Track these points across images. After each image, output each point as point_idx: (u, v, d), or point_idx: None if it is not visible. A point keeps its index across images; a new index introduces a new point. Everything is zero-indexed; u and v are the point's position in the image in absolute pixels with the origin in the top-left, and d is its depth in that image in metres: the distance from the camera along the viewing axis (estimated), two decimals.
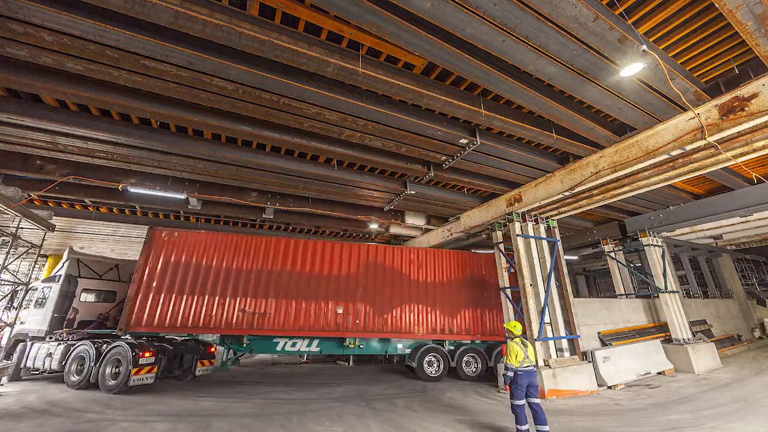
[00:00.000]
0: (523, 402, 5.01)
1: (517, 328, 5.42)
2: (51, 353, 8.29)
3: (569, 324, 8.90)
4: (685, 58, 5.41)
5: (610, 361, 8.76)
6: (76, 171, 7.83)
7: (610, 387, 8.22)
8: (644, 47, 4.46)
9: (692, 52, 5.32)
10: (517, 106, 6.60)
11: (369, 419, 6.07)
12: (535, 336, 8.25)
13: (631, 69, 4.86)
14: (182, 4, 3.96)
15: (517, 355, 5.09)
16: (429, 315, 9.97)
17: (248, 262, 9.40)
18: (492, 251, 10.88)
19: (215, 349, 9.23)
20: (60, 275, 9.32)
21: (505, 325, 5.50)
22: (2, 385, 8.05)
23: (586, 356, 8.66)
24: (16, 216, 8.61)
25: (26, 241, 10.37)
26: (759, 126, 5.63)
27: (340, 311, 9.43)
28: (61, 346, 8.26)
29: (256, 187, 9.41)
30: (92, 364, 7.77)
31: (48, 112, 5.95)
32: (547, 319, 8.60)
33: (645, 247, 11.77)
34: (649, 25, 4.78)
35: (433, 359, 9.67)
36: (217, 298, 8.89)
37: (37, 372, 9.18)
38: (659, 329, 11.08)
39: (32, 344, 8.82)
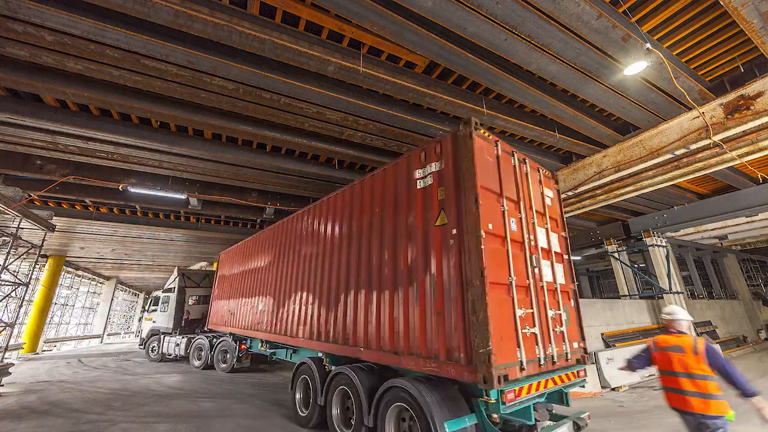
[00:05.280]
0: None
1: None
2: (178, 344, 11.38)
3: None
4: (689, 56, 5.36)
5: (614, 363, 8.67)
6: (76, 171, 7.82)
7: (613, 389, 8.14)
8: (648, 45, 4.41)
9: (697, 51, 5.26)
10: (519, 105, 6.55)
11: None
12: None
13: (635, 67, 4.81)
14: (183, 3, 3.93)
15: None
16: None
17: (265, 259, 8.07)
18: None
19: (244, 346, 9.70)
20: (174, 287, 12.37)
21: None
22: (2, 386, 8.05)
23: (590, 358, 8.58)
24: (17, 216, 8.61)
25: (26, 242, 10.37)
26: (765, 125, 5.57)
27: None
28: (185, 339, 11.25)
29: (257, 187, 9.39)
30: (209, 352, 10.26)
31: (48, 112, 5.94)
32: None
33: (649, 248, 11.68)
34: (653, 23, 4.72)
35: None
36: (240, 299, 9.02)
37: (170, 356, 12.05)
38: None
39: (164, 337, 12.04)
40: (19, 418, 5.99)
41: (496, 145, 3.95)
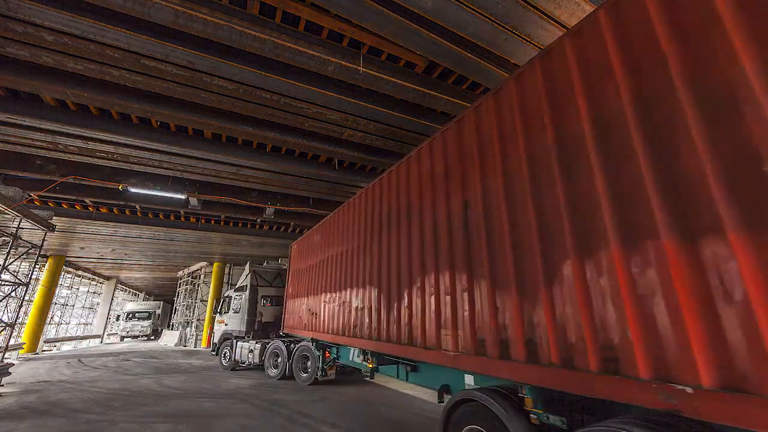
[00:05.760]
0: None
1: None
2: (252, 350, 9.85)
3: None
4: None
5: None
6: (76, 171, 7.83)
7: None
8: None
9: None
10: None
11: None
12: None
13: None
14: (183, 3, 3.94)
15: None
16: None
17: (360, 236, 5.68)
18: None
19: (329, 354, 7.71)
20: (246, 285, 11.09)
21: None
22: (2, 386, 8.05)
23: None
24: (17, 216, 8.60)
25: (26, 242, 10.37)
26: None
27: None
28: (259, 344, 9.69)
29: (257, 187, 9.40)
30: (286, 360, 8.71)
31: (48, 112, 5.94)
32: None
33: None
34: None
35: None
36: (323, 295, 6.98)
37: (243, 364, 10.58)
38: None
39: (236, 342, 10.58)
40: (19, 418, 5.99)
41: None
